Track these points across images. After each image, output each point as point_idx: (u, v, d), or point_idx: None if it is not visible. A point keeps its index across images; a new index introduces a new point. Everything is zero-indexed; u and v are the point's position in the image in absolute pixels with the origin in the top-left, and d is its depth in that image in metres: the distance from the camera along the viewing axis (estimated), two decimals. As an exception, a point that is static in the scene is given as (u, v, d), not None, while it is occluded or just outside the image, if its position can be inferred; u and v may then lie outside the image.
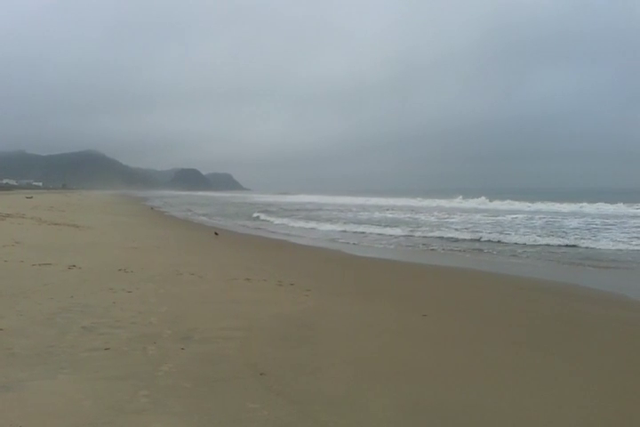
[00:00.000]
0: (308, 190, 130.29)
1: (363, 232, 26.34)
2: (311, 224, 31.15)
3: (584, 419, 4.67)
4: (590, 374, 5.93)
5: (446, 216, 38.20)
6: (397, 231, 25.62)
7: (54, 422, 4.21)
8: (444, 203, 63.83)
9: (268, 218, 37.51)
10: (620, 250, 18.55)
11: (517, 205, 55.29)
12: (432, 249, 19.46)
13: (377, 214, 42.16)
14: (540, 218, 34.55)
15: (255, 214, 41.44)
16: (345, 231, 27.04)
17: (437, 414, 4.62)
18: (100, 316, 7.52)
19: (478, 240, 21.91)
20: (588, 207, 47.13)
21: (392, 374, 5.65)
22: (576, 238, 21.28)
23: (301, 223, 31.90)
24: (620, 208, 45.40)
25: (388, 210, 49.74)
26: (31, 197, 61.99)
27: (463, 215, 38.73)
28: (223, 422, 4.36)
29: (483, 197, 65.12)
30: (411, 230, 25.65)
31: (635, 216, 36.59)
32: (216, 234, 23.21)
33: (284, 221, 34.04)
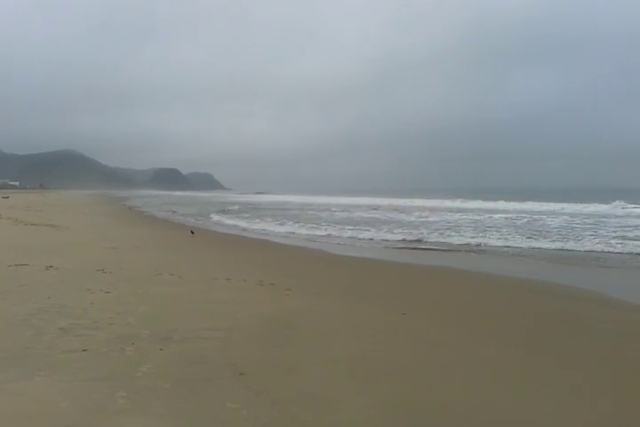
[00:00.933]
0: (291, 190, 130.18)
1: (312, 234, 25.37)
2: (264, 225, 30.33)
3: (565, 417, 4.73)
4: (571, 371, 6.01)
5: (427, 215, 38.47)
6: (349, 233, 25.17)
7: (31, 425, 4.16)
8: (429, 202, 64.08)
9: (221, 219, 36.61)
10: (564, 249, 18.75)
11: (505, 204, 55.38)
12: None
13: (344, 214, 42.02)
14: (518, 218, 34.82)
15: (212, 215, 40.63)
16: (293, 233, 26.26)
17: (416, 413, 4.65)
18: (77, 317, 7.44)
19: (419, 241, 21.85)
20: (568, 208, 47.67)
21: (372, 373, 5.67)
22: (558, 238, 21.48)
23: (258, 225, 30.62)
24: (594, 207, 46.00)
25: (375, 209, 49.80)
26: (7, 197, 61.15)
27: (445, 214, 39.00)
28: (202, 423, 4.34)
29: (459, 200, 65.90)
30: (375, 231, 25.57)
31: (589, 215, 37.24)
32: (192, 233, 23.22)
33: (238, 222, 33.11)
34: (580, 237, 21.68)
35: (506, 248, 19.25)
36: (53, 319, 7.23)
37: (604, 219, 32.73)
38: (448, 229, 26.80)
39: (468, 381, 5.53)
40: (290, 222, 31.60)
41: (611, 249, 18.21)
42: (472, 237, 22.10)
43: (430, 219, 34.95)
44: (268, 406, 4.69)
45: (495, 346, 6.91)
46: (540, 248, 18.99)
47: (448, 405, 4.85)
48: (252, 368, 5.62)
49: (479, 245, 20.15)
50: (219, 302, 8.85)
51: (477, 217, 36.13)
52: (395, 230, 25.74)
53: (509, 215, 37.05)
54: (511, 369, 5.98)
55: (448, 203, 63.01)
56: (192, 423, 4.32)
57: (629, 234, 23.11)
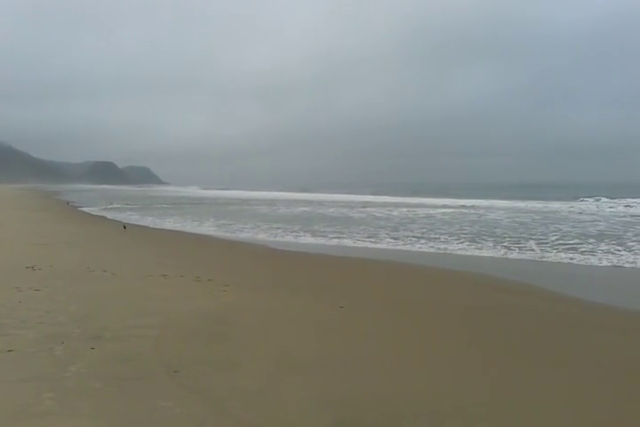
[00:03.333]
0: (232, 185, 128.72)
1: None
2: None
3: (497, 404, 4.89)
4: (503, 359, 6.22)
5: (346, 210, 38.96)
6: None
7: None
8: (367, 198, 64.81)
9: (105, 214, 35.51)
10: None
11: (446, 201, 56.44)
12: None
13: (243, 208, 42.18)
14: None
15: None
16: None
17: (349, 405, 4.71)
18: (3, 316, 7.14)
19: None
20: (498, 203, 49.29)
21: (309, 366, 5.70)
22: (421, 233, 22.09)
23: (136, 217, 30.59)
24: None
25: (330, 206, 49.87)
26: None
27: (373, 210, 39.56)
28: (134, 422, 4.25)
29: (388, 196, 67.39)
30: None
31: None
32: (124, 228, 23.04)
33: (120, 216, 32.64)
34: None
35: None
36: (-23, 320, 6.92)
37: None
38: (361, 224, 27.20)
39: (403, 372, 5.64)
40: (171, 218, 31.60)
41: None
42: (388, 233, 22.43)
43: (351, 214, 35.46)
44: (202, 403, 4.64)
45: (431, 338, 7.07)
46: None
47: (382, 396, 4.93)
48: (187, 366, 5.54)
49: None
50: (153, 298, 8.68)
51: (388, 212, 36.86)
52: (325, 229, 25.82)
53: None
54: (447, 360, 6.13)
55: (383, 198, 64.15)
56: (123, 424, 4.22)
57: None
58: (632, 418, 4.66)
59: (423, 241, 19.51)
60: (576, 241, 18.90)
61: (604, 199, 49.61)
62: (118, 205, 47.58)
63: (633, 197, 47.77)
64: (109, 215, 33.13)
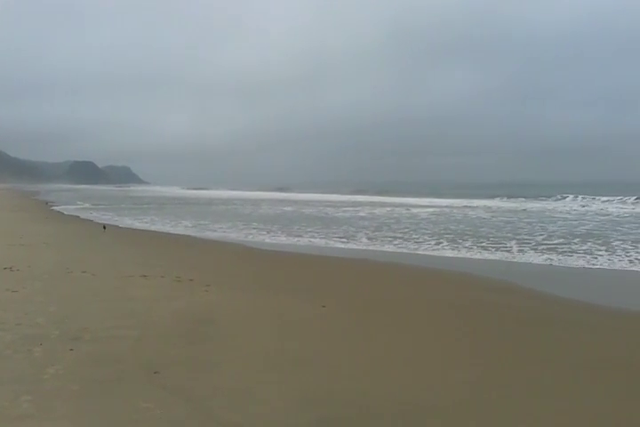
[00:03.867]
0: (214, 184, 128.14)
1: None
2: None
3: (479, 400, 4.92)
4: (482, 356, 6.27)
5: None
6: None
7: None
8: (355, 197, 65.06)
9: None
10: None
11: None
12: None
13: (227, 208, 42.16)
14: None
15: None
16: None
17: (332, 403, 4.71)
18: (-20, 318, 7.03)
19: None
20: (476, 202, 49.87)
21: (290, 365, 5.70)
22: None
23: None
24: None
25: (314, 206, 49.83)
26: None
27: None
28: (114, 424, 4.21)
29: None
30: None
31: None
32: (104, 228, 22.83)
33: (98, 216, 32.51)
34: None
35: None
36: (-48, 322, 6.80)
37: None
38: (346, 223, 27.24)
39: (386, 370, 5.66)
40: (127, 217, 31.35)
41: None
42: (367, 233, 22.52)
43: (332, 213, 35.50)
44: (182, 403, 4.61)
45: (414, 336, 7.10)
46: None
47: (364, 394, 4.94)
48: (167, 366, 5.51)
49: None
50: (134, 299, 8.61)
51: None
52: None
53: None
54: (429, 358, 6.16)
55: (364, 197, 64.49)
56: (102, 425, 4.18)
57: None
58: (613, 415, 4.72)
59: (398, 241, 19.57)
60: (548, 238, 19.15)
61: (580, 198, 50.46)
62: (97, 206, 47.18)
63: (609, 195, 48.50)
64: (88, 215, 32.79)
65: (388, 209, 39.38)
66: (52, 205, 45.75)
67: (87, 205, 48.12)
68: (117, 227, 25.10)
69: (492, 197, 56.56)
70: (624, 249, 16.38)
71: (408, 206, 42.64)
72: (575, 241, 18.57)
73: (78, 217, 31.18)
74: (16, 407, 4.38)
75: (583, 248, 16.75)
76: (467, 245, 18.14)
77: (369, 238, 20.32)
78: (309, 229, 23.88)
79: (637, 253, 15.60)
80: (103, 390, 4.84)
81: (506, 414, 4.63)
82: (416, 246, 17.98)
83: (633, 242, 17.99)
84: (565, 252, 16.11)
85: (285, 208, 42.18)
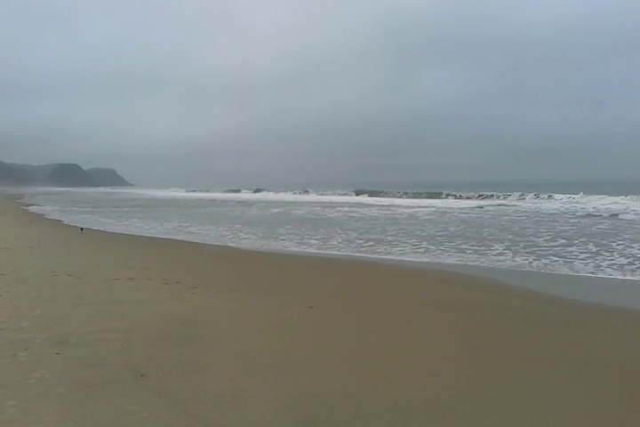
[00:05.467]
0: (200, 186, 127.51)
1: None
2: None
3: (467, 398, 4.96)
4: (468, 355, 6.31)
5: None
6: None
7: None
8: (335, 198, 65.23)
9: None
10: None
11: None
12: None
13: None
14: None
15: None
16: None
17: (319, 404, 4.72)
18: (-36, 323, 6.96)
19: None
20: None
21: (277, 367, 5.70)
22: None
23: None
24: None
25: (301, 207, 49.91)
26: None
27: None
28: (100, 428, 4.19)
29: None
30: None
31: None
32: (81, 230, 23.11)
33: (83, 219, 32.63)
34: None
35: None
36: None
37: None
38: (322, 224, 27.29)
39: (373, 370, 5.68)
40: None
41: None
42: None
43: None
44: (170, 406, 4.60)
45: (401, 335, 7.14)
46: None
47: (351, 394, 4.96)
48: (155, 369, 5.49)
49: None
50: (120, 302, 8.56)
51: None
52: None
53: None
54: (417, 357, 6.18)
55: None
56: (89, 429, 4.16)
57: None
58: (602, 413, 4.77)
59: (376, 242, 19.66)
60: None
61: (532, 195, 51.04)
62: (81, 208, 46.86)
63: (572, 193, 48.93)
64: (72, 219, 32.53)
65: (378, 209, 39.46)
66: (35, 209, 45.34)
67: (72, 208, 47.72)
68: (101, 230, 24.90)
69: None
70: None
71: (396, 206, 42.89)
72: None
73: (62, 221, 30.91)
74: (1, 413, 4.34)
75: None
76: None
77: (354, 239, 20.35)
78: (295, 230, 23.87)
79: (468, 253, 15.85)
80: (90, 393, 4.82)
81: (496, 411, 4.66)
82: (403, 246, 18.05)
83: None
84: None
85: (275, 210, 42.15)
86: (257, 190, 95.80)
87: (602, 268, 13.10)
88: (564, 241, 18.28)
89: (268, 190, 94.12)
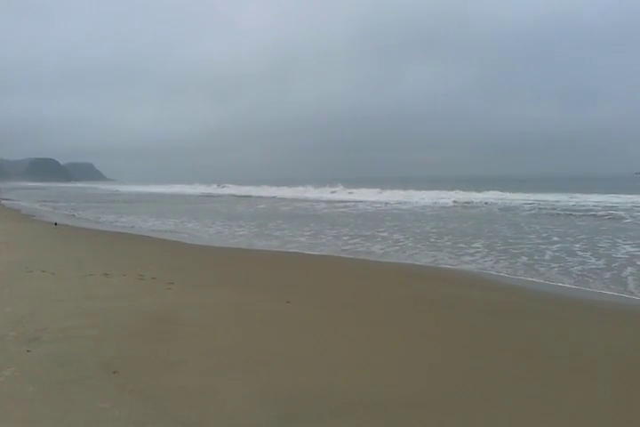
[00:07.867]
0: (182, 181, 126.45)
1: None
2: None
3: (437, 392, 4.98)
4: (444, 349, 6.35)
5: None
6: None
7: None
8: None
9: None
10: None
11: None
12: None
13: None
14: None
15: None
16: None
17: (293, 399, 4.71)
18: None
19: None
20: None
21: (252, 362, 5.67)
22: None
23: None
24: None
25: (285, 203, 49.75)
26: None
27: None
28: (70, 425, 4.14)
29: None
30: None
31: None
32: (55, 224, 22.92)
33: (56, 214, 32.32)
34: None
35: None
36: None
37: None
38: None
39: (348, 365, 5.68)
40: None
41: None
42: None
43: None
44: (141, 403, 4.55)
45: (377, 330, 7.14)
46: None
47: (326, 388, 4.95)
48: (128, 366, 5.42)
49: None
50: (95, 298, 8.46)
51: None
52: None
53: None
54: (393, 352, 6.19)
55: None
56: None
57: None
58: (580, 407, 4.81)
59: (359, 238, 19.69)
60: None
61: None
62: (56, 203, 46.30)
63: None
64: (47, 214, 32.11)
65: (366, 205, 39.52)
66: (10, 204, 44.66)
67: (47, 203, 47.08)
68: (76, 225, 24.56)
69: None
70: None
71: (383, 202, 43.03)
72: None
73: (36, 216, 30.47)
74: (-32, 411, 4.27)
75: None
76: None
77: (333, 236, 20.37)
78: (276, 226, 23.82)
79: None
80: (60, 391, 4.75)
81: (475, 409, 4.67)
82: (381, 242, 18.10)
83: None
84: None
85: (261, 206, 42.04)
86: (223, 186, 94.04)
87: (586, 265, 13.24)
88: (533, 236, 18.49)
89: (233, 184, 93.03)
